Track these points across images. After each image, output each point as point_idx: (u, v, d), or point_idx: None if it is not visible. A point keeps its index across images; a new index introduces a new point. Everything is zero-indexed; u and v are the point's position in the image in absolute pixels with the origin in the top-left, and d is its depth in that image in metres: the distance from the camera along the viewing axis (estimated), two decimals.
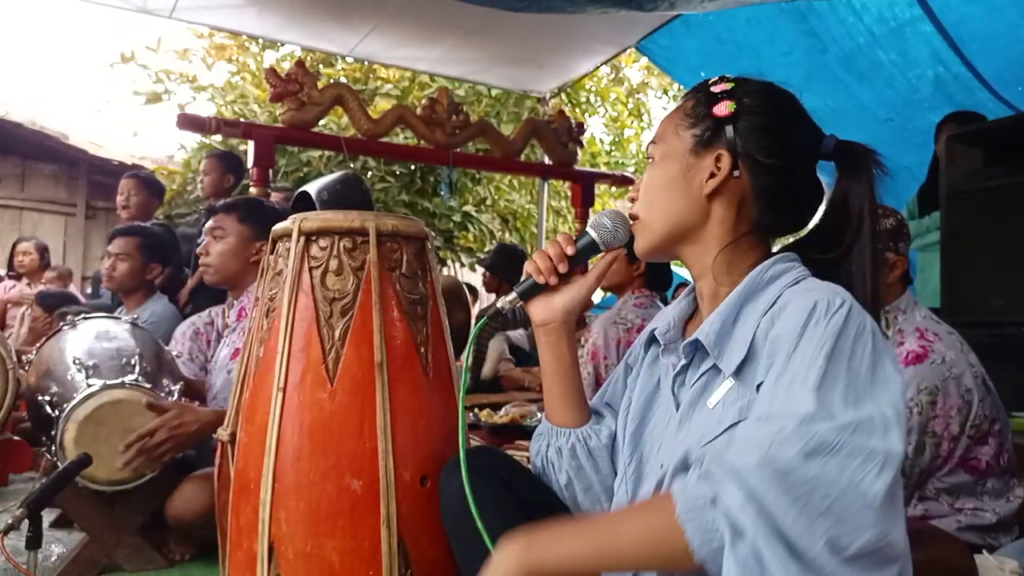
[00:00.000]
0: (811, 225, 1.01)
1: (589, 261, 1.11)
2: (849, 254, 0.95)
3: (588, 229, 1.06)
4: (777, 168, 0.94)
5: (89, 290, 5.54)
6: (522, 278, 1.09)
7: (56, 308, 3.60)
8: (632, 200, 1.05)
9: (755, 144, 0.94)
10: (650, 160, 1.03)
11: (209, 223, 2.27)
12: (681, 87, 4.19)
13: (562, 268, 1.05)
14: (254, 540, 1.16)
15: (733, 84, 0.97)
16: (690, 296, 1.06)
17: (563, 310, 1.07)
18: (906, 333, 1.64)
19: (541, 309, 1.08)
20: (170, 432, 1.81)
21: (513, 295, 1.08)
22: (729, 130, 0.94)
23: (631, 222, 1.04)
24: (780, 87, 0.99)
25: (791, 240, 1.04)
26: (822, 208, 0.99)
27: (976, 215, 2.68)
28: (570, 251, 1.05)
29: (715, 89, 0.97)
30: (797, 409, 0.73)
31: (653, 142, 1.02)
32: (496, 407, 2.70)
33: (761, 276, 0.92)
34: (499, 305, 1.08)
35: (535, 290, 1.08)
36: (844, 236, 0.95)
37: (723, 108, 0.95)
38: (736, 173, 0.94)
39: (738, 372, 0.87)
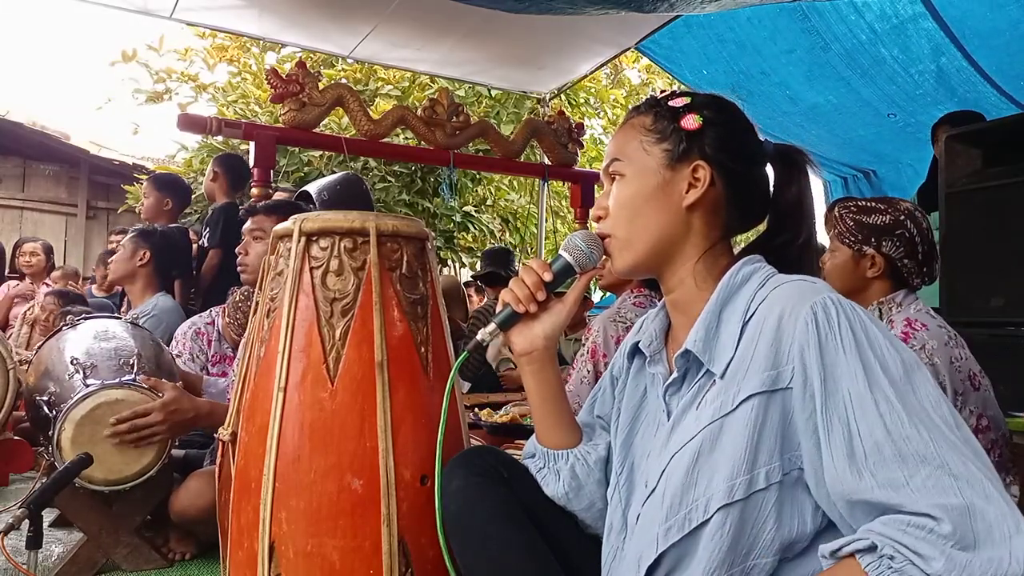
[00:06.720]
0: (768, 225, 1.04)
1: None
2: (806, 246, 1.01)
3: (562, 252, 1.06)
4: (745, 173, 1.00)
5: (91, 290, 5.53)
6: (498, 308, 1.08)
7: (67, 306, 3.62)
8: (598, 219, 1.04)
9: (725, 153, 0.98)
10: (614, 178, 1.02)
11: (248, 224, 2.34)
12: (684, 86, 4.18)
13: (540, 296, 1.05)
14: (255, 539, 1.16)
15: (690, 98, 1.00)
16: (665, 309, 1.07)
17: (544, 337, 1.07)
18: (896, 323, 1.65)
19: (522, 339, 1.08)
20: (165, 415, 1.81)
21: (492, 326, 1.07)
22: (701, 142, 0.97)
23: (604, 241, 1.03)
24: (726, 98, 1.03)
25: (754, 240, 1.06)
26: (780, 209, 1.03)
27: (975, 215, 2.68)
28: (547, 277, 1.05)
29: (675, 104, 1.00)
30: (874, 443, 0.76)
31: (616, 159, 1.02)
32: (496, 407, 2.70)
33: (733, 279, 0.95)
34: (479, 337, 1.07)
35: (514, 319, 1.07)
36: (801, 231, 1.01)
37: (691, 122, 0.97)
38: (712, 182, 0.97)
39: (724, 373, 0.89)
